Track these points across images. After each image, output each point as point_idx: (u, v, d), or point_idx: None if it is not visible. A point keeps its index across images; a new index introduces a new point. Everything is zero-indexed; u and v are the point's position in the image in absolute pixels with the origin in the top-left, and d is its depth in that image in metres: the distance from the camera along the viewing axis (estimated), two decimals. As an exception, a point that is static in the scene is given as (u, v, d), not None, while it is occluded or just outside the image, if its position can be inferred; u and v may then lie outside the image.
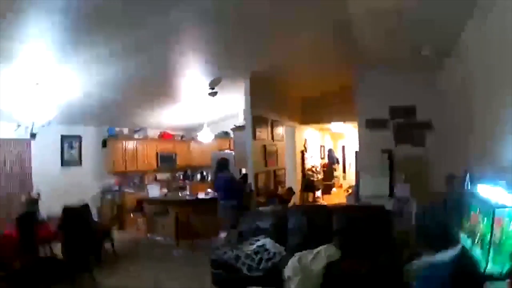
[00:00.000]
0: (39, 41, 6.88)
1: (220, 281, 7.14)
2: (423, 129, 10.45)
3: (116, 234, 11.65)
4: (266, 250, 6.90)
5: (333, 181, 16.97)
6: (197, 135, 16.16)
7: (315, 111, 16.31)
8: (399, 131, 10.69)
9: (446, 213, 5.86)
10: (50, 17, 6.06)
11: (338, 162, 16.49)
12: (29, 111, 8.58)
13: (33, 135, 9.57)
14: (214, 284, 7.25)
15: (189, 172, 18.87)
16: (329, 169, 16.90)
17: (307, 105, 16.43)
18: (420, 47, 8.25)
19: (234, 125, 14.69)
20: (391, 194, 9.75)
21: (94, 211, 10.39)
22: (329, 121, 18.02)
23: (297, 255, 6.50)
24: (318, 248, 6.54)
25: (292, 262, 6.35)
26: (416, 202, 7.88)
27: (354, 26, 7.88)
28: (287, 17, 7.43)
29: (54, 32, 6.69)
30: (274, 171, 13.81)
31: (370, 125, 11.09)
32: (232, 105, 14.90)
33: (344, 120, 17.26)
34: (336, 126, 20.08)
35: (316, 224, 7.40)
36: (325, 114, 16.20)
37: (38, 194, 9.81)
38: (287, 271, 6.23)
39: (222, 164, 10.92)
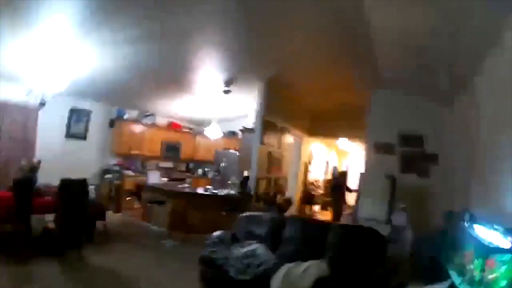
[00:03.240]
0: (61, 12, 6.98)
1: (207, 279, 7.19)
2: (429, 161, 10.41)
3: (111, 215, 11.69)
4: (257, 255, 6.87)
5: (345, 205, 16.85)
6: (204, 130, 16.03)
7: (324, 125, 16.28)
8: (405, 159, 10.66)
9: (440, 247, 5.87)
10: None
11: (350, 191, 16.30)
12: (42, 79, 8.61)
13: (42, 103, 9.59)
14: (201, 281, 7.28)
15: (191, 165, 18.89)
16: (339, 192, 16.75)
17: (317, 117, 16.37)
18: (438, 77, 8.24)
19: (243, 127, 14.70)
20: (389, 220, 9.75)
21: (92, 188, 10.33)
22: (336, 137, 17.94)
23: (285, 267, 6.45)
24: (308, 263, 6.50)
25: (280, 274, 6.30)
26: (412, 231, 7.87)
27: (374, 44, 7.86)
28: (308, 27, 7.50)
29: (77, 7, 6.78)
30: (276, 179, 13.81)
31: (377, 148, 11.08)
32: (243, 106, 14.97)
33: (351, 138, 17.25)
34: (343, 143, 20.06)
35: (311, 237, 7.34)
36: (333, 129, 16.11)
37: (38, 162, 9.83)
38: (275, 283, 6.21)
39: None
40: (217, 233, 7.96)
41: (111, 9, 6.93)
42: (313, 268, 6.39)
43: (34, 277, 7.09)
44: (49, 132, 12.72)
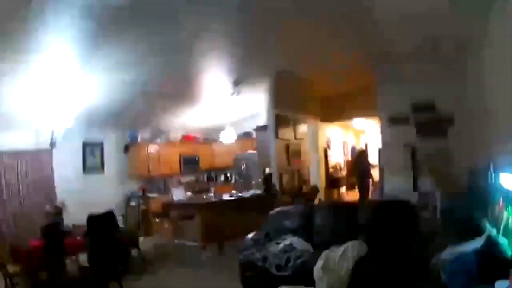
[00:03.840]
0: (57, 49, 7.02)
1: (250, 282, 7.17)
2: (445, 123, 10.36)
3: (143, 240, 11.71)
4: (294, 248, 6.88)
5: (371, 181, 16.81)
6: (219, 137, 15.98)
7: (337, 108, 16.14)
8: (421, 126, 10.60)
9: (471, 204, 5.84)
10: (68, 24, 6.16)
11: (372, 167, 16.27)
12: (48, 119, 8.65)
13: (53, 144, 9.62)
14: (244, 286, 7.27)
15: (212, 174, 18.85)
16: (363, 171, 16.71)
17: (329, 102, 16.20)
18: (441, 41, 8.22)
19: (257, 125, 14.69)
20: (415, 188, 9.72)
21: (119, 218, 10.34)
22: (350, 118, 17.88)
23: (323, 255, 6.43)
24: (345, 245, 6.50)
25: (320, 262, 6.28)
26: (440, 195, 7.84)
27: (376, 17, 7.75)
28: (306, 10, 7.38)
29: (73, 39, 6.82)
30: (298, 170, 13.79)
31: (392, 122, 11.02)
32: (253, 105, 14.87)
33: (365, 116, 17.19)
34: (358, 122, 20.01)
35: (342, 220, 7.37)
36: (347, 111, 16.01)
37: (63, 204, 9.84)
38: (316, 272, 6.18)
39: None
40: (250, 235, 7.98)
41: (109, 32, 6.89)
42: (350, 249, 6.39)
43: None
44: (66, 171, 12.71)
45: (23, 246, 8.73)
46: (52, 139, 9.49)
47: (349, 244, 6.52)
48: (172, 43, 7.94)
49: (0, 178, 11.24)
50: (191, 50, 8.62)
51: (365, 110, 14.71)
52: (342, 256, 6.29)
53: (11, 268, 8.49)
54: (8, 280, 8.62)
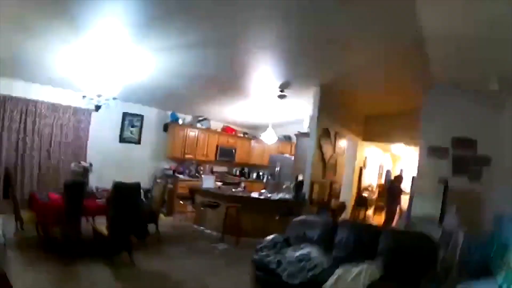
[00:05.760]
0: (114, 18, 7.06)
1: (260, 282, 7.20)
2: (481, 164, 10.24)
3: (163, 218, 11.86)
4: (310, 259, 6.85)
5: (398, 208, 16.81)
6: (260, 135, 16.09)
7: (378, 129, 16.12)
8: (458, 161, 10.50)
9: (490, 249, 5.79)
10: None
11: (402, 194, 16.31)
12: (96, 84, 8.70)
13: (97, 107, 9.67)
14: (252, 284, 7.32)
15: (246, 169, 18.95)
16: (393, 196, 16.71)
17: (372, 122, 16.24)
18: (489, 79, 8.12)
19: (298, 132, 14.71)
20: (441, 222, 9.65)
21: (144, 192, 10.38)
22: (391, 141, 17.76)
23: (337, 272, 6.44)
24: (360, 267, 6.46)
25: (332, 279, 6.28)
26: (463, 234, 7.77)
27: (427, 46, 7.74)
28: (360, 29, 7.42)
29: (131, 14, 6.90)
30: (331, 183, 13.74)
31: (430, 152, 10.93)
32: (298, 111, 14.89)
33: (405, 142, 16.99)
34: (397, 147, 19.91)
35: (363, 241, 7.32)
36: (388, 133, 15.94)
37: (90, 165, 10.03)
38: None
39: None
40: (270, 236, 8.00)
41: (166, 16, 6.99)
42: (365, 273, 6.35)
43: (82, 278, 7.19)
44: (102, 136, 13.03)
45: (42, 197, 8.91)
46: (97, 102, 9.51)
47: (365, 266, 6.49)
48: (225, 36, 7.98)
49: (34, 125, 11.53)
50: (244, 45, 8.61)
51: (407, 135, 14.74)
52: (355, 278, 6.26)
53: (25, 215, 8.70)
54: (18, 224, 8.84)
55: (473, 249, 6.52)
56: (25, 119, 11.34)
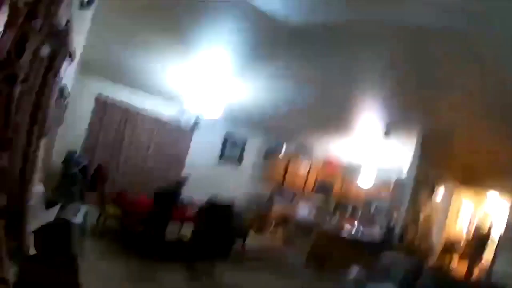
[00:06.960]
0: (223, 43, 7.44)
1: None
2: None
3: (252, 236, 12.03)
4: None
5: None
6: (359, 175, 16.26)
7: (476, 178, 15.95)
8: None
9: None
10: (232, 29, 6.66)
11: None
12: (199, 102, 9.34)
13: (196, 123, 10.19)
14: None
15: (341, 204, 18.88)
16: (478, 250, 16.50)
17: (471, 168, 16.02)
18: None
19: (397, 178, 14.82)
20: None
21: (238, 211, 10.64)
22: (487, 188, 17.03)
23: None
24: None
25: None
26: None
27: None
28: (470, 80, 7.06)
29: (238, 42, 7.30)
30: (424, 228, 13.79)
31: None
32: (399, 156, 14.45)
33: (501, 190, 16.77)
34: (492, 198, 19.72)
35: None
36: (485, 182, 15.83)
37: (186, 178, 10.46)
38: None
39: None
40: (353, 270, 8.23)
41: (274, 46, 7.13)
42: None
43: (156, 279, 7.46)
44: (201, 153, 13.61)
45: (133, 196, 9.70)
46: (196, 119, 10.05)
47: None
48: (331, 73, 8.05)
49: (132, 133, 12.38)
50: (351, 81, 8.40)
51: (504, 186, 14.60)
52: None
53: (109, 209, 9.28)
54: (101, 216, 9.38)
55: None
56: (125, 122, 12.21)
